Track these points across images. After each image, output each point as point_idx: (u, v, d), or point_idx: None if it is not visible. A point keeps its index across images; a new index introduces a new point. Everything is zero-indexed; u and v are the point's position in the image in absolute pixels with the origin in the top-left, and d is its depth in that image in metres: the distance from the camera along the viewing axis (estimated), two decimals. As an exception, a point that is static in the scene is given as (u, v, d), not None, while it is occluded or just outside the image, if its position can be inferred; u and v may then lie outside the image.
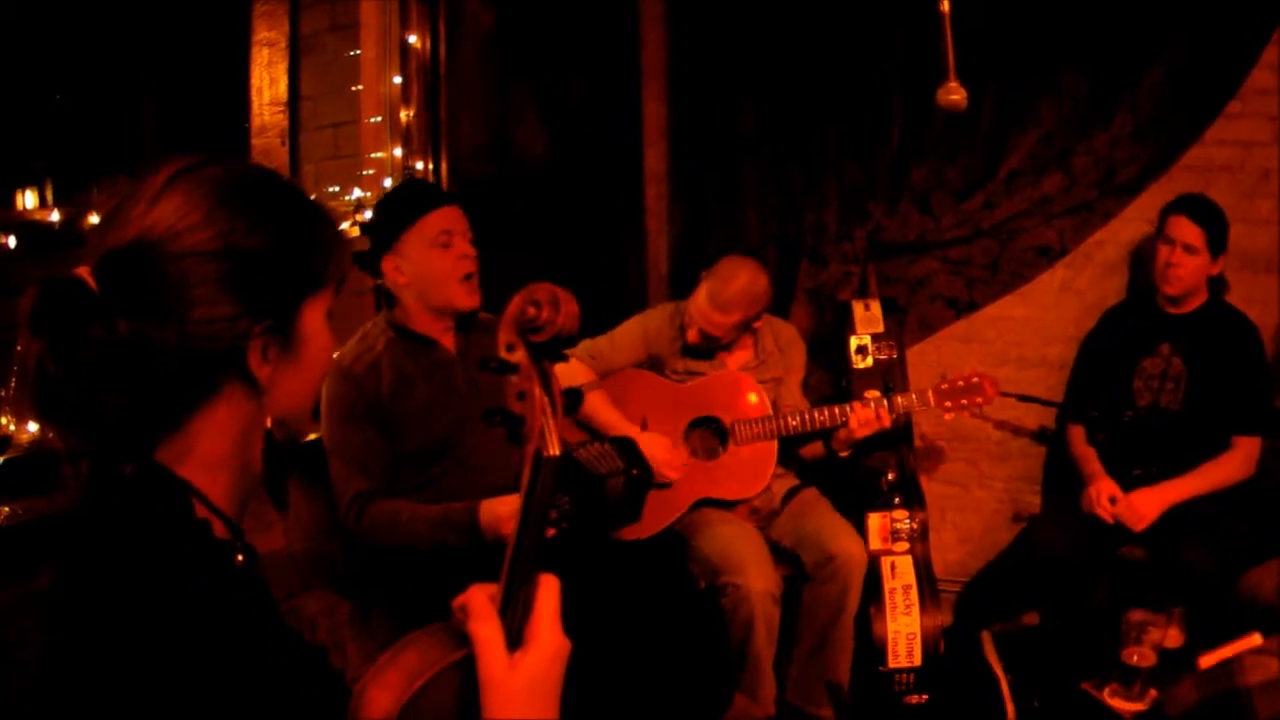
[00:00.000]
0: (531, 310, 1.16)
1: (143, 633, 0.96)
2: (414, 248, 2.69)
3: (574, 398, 1.18)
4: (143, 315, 1.04)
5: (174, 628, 0.97)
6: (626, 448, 2.81)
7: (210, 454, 1.11)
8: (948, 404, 3.23)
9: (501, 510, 2.51)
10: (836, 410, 3.23)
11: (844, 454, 3.36)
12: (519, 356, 1.18)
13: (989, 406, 3.29)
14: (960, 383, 3.23)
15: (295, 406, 1.20)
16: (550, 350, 1.18)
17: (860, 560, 3.23)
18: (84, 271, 1.05)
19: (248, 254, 1.09)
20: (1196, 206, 3.27)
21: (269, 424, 1.20)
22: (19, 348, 1.03)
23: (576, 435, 3.16)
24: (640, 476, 2.88)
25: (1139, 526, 3.13)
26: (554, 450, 1.16)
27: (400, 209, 2.75)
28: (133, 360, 1.03)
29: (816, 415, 3.25)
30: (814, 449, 3.42)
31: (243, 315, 1.09)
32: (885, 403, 3.21)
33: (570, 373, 3.14)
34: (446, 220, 2.71)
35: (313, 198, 1.24)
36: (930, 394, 3.24)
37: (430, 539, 2.58)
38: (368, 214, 3.26)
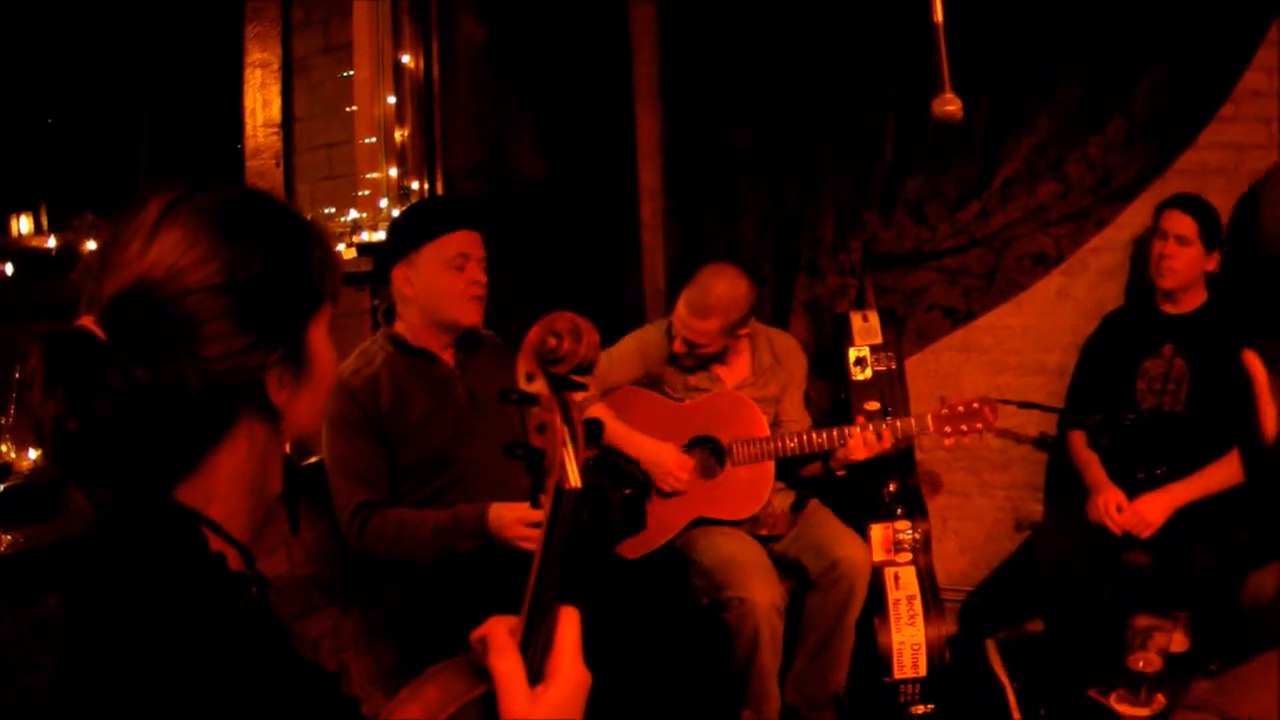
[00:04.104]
0: (552, 341, 1.15)
1: (158, 667, 0.95)
2: (429, 263, 2.73)
3: (594, 428, 1.17)
4: (158, 359, 1.02)
5: (190, 662, 0.95)
6: (622, 470, 2.82)
7: (229, 486, 1.10)
8: (947, 429, 3.21)
9: (509, 515, 2.52)
10: (835, 433, 3.22)
11: (840, 473, 3.35)
12: (539, 387, 1.18)
13: (989, 433, 3.28)
14: (960, 408, 3.22)
15: (311, 424, 1.19)
16: (570, 380, 1.17)
17: (864, 565, 3.23)
18: (87, 321, 1.02)
19: (252, 282, 1.08)
20: (1188, 200, 3.35)
21: (287, 448, 1.19)
22: (31, 403, 1.00)
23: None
24: (634, 495, 2.88)
25: (1146, 534, 3.13)
26: (575, 482, 1.15)
27: (423, 223, 2.80)
28: (153, 406, 1.01)
29: (815, 438, 3.23)
30: (814, 467, 3.41)
31: (258, 346, 1.08)
32: (884, 425, 3.20)
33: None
34: (466, 244, 2.76)
35: (303, 214, 1.22)
36: (930, 419, 3.23)
37: (435, 545, 2.59)
38: (364, 235, 3.27)
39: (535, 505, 1.18)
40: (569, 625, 1.14)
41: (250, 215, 1.13)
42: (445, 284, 2.73)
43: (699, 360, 3.34)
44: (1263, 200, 3.50)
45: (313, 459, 2.77)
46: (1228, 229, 3.44)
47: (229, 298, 1.06)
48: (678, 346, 3.30)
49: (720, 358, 3.37)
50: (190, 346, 1.03)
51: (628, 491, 2.98)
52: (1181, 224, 3.29)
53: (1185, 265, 3.29)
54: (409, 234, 2.78)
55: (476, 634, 1.15)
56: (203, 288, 1.05)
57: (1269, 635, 2.73)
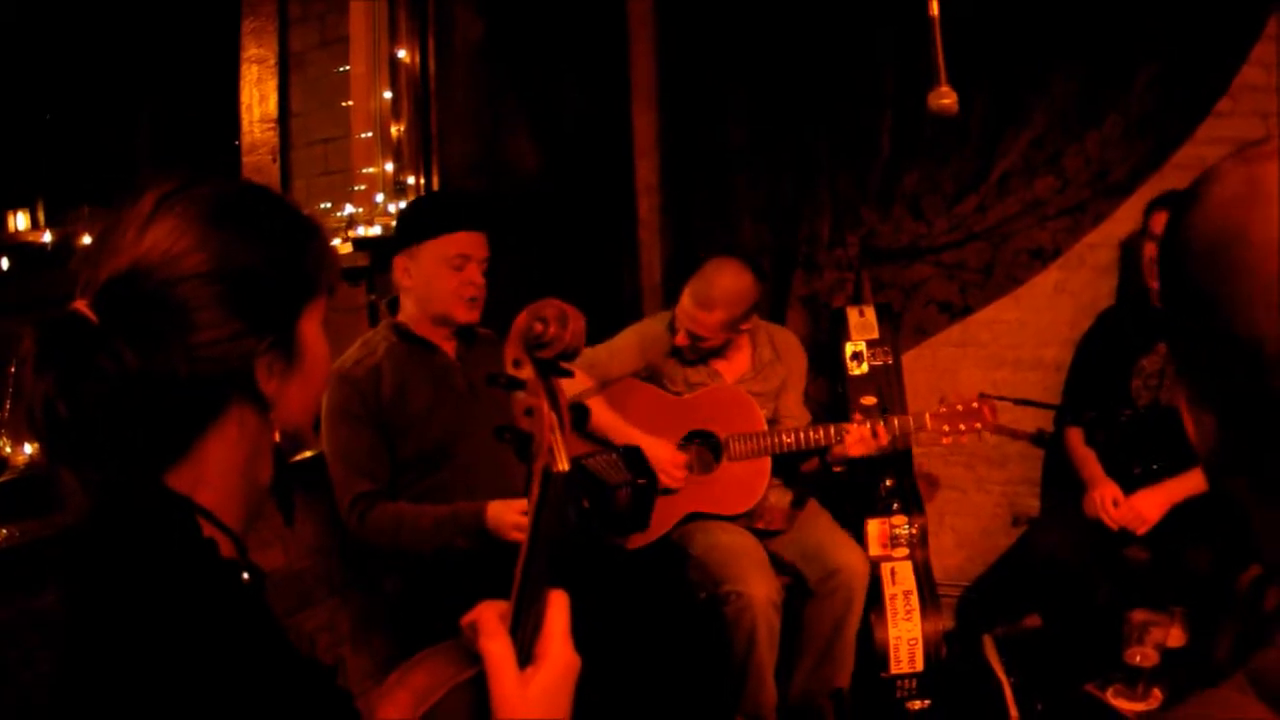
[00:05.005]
0: (539, 327, 1.16)
1: (152, 652, 0.95)
2: (428, 258, 2.74)
3: (580, 413, 1.17)
4: (148, 344, 1.03)
5: (184, 648, 0.96)
6: (633, 457, 2.82)
7: (219, 473, 1.10)
8: (945, 428, 3.19)
9: (509, 516, 2.52)
10: (833, 429, 3.20)
11: (837, 469, 3.34)
12: (526, 373, 1.19)
13: (987, 432, 3.27)
14: (959, 407, 3.20)
15: (301, 417, 1.20)
16: (557, 366, 1.18)
17: (863, 573, 3.21)
18: (80, 305, 1.04)
19: (244, 272, 1.09)
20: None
21: (277, 438, 1.19)
22: (23, 385, 1.01)
23: (581, 443, 3.15)
24: (647, 486, 2.88)
25: (1142, 529, 3.12)
26: (562, 466, 1.16)
27: (429, 218, 2.80)
28: (142, 391, 1.02)
29: (811, 434, 3.21)
30: (812, 463, 3.40)
31: (247, 334, 1.09)
32: (882, 422, 3.18)
33: (568, 382, 3.13)
34: (468, 245, 2.76)
35: (299, 207, 1.23)
36: (928, 418, 3.21)
37: (435, 539, 2.59)
38: (360, 230, 3.27)
39: (527, 496, 1.19)
40: (558, 608, 1.14)
41: (244, 207, 1.15)
42: (441, 282, 2.74)
43: (701, 353, 3.34)
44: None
45: (306, 454, 2.76)
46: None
47: (219, 285, 1.07)
48: (680, 339, 3.29)
49: (721, 352, 3.37)
50: (180, 332, 1.04)
51: (641, 481, 2.98)
52: None
53: None
54: (414, 226, 2.79)
55: (467, 619, 1.16)
56: (193, 275, 1.06)
57: (1262, 633, 2.73)
